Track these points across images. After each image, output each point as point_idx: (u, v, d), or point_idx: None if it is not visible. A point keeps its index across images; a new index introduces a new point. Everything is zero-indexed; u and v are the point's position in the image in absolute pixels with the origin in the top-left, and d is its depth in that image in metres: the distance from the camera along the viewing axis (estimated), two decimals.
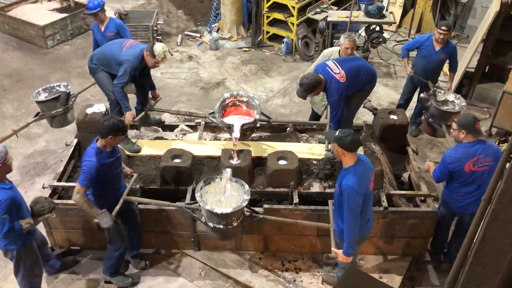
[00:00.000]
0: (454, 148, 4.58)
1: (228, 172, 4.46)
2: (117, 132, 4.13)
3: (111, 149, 4.26)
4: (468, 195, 4.57)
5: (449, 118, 5.46)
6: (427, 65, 6.67)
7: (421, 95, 5.73)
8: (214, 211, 4.05)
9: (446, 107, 5.64)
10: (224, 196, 4.34)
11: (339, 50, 5.73)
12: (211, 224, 4.21)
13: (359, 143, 3.88)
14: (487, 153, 4.46)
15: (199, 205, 4.22)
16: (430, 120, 5.50)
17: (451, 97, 5.64)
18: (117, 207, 4.38)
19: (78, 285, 4.97)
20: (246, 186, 4.36)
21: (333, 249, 4.20)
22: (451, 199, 4.69)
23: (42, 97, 5.69)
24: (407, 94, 7.13)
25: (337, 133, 3.89)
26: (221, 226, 4.18)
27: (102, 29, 6.70)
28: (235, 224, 4.24)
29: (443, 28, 6.43)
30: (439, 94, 5.69)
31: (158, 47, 4.97)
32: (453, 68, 6.76)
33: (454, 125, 4.60)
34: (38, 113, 5.76)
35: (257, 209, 4.86)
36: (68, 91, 5.72)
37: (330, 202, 4.61)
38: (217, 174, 4.99)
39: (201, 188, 4.32)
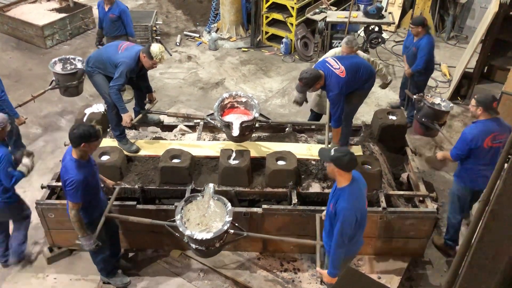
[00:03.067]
0: (473, 126, 4.78)
1: (210, 187, 4.39)
2: (89, 138, 3.98)
3: (88, 158, 4.15)
4: (484, 171, 4.74)
5: (441, 117, 5.61)
6: (407, 55, 7.01)
7: (414, 96, 5.83)
8: (194, 237, 3.97)
9: (433, 105, 5.77)
10: (207, 212, 4.27)
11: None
12: (193, 245, 4.16)
13: (356, 162, 3.72)
14: (501, 130, 4.69)
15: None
16: (423, 120, 5.59)
17: (437, 100, 5.80)
18: (99, 227, 4.31)
19: (77, 285, 4.96)
20: (229, 205, 4.28)
21: (317, 269, 4.08)
22: (470, 177, 4.88)
23: (58, 67, 6.25)
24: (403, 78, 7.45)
25: (332, 152, 3.68)
26: (203, 248, 4.13)
27: (106, 9, 7.28)
28: (217, 245, 4.18)
29: (410, 22, 6.81)
30: (427, 97, 5.79)
31: (155, 48, 4.95)
32: (415, 64, 6.80)
33: (473, 102, 4.81)
34: (52, 81, 6.38)
35: (255, 209, 4.87)
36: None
37: (317, 216, 4.47)
38: (215, 173, 5.00)
39: (182, 209, 4.23)
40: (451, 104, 5.75)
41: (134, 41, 7.45)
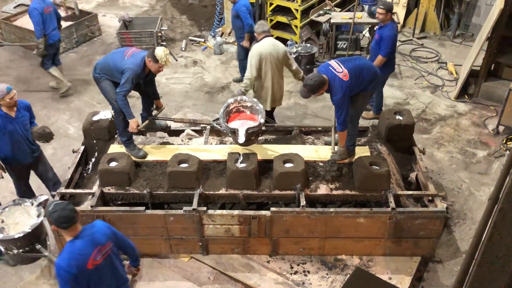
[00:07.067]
0: (389, 28, 6.61)
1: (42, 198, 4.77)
2: None
3: None
4: (394, 58, 7.13)
5: (313, 59, 7.11)
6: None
7: (293, 56, 6.93)
8: None
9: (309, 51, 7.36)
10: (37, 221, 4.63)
11: None
12: None
13: (69, 220, 3.40)
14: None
15: None
16: (308, 66, 6.88)
17: (294, 48, 7.06)
18: None
19: None
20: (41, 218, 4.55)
21: None
22: (388, 64, 6.85)
23: None
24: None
25: (51, 206, 3.45)
26: None
27: None
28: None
29: None
30: (291, 51, 6.96)
31: (159, 51, 4.97)
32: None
33: (381, 11, 6.60)
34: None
35: (263, 212, 4.87)
36: None
37: None
38: (223, 177, 4.98)
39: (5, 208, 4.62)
40: (309, 44, 7.08)
41: (38, 43, 7.67)
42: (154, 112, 5.77)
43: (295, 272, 5.06)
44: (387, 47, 6.62)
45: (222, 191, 5.10)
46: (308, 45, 6.94)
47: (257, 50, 5.92)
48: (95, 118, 5.79)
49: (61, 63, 8.49)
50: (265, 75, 6.00)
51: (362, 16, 8.64)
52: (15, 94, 5.07)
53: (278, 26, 9.84)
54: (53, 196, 5.23)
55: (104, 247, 3.58)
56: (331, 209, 4.90)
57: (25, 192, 5.62)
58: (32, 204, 4.49)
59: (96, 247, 3.52)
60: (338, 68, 4.76)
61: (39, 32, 7.60)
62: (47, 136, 5.30)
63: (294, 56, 6.62)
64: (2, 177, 5.20)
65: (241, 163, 5.07)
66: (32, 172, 5.70)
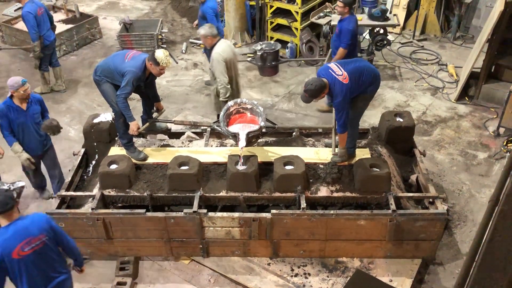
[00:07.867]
0: (348, 21, 6.74)
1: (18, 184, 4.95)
2: None
3: None
4: (356, 46, 7.22)
5: (278, 56, 7.23)
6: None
7: (255, 52, 7.14)
8: None
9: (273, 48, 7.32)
10: None
11: None
12: None
13: (3, 205, 3.47)
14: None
15: None
16: (273, 63, 7.10)
17: (258, 46, 7.11)
18: None
19: None
20: None
21: None
22: (351, 55, 6.81)
23: None
24: None
25: None
26: None
27: None
28: None
29: None
30: (256, 49, 7.15)
31: (159, 53, 4.97)
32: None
33: (340, 4, 6.71)
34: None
35: (264, 214, 4.87)
36: None
37: None
38: (223, 179, 4.99)
39: None
40: (272, 41, 7.30)
41: (34, 46, 7.68)
42: (155, 115, 5.77)
43: (296, 275, 5.06)
44: (347, 40, 6.79)
45: (223, 193, 5.10)
46: (272, 42, 7.15)
47: (220, 56, 5.98)
48: (95, 120, 5.80)
49: (60, 64, 8.50)
50: (231, 79, 6.16)
51: (362, 18, 8.62)
52: (29, 87, 5.31)
53: (278, 28, 9.86)
54: (53, 198, 5.24)
55: (35, 239, 3.60)
56: (332, 211, 4.90)
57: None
58: (9, 188, 4.63)
59: (26, 238, 3.56)
60: (338, 71, 4.76)
61: (35, 35, 7.63)
62: (54, 129, 5.44)
63: (259, 53, 6.84)
64: (34, 167, 5.64)
65: (241, 165, 5.07)
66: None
